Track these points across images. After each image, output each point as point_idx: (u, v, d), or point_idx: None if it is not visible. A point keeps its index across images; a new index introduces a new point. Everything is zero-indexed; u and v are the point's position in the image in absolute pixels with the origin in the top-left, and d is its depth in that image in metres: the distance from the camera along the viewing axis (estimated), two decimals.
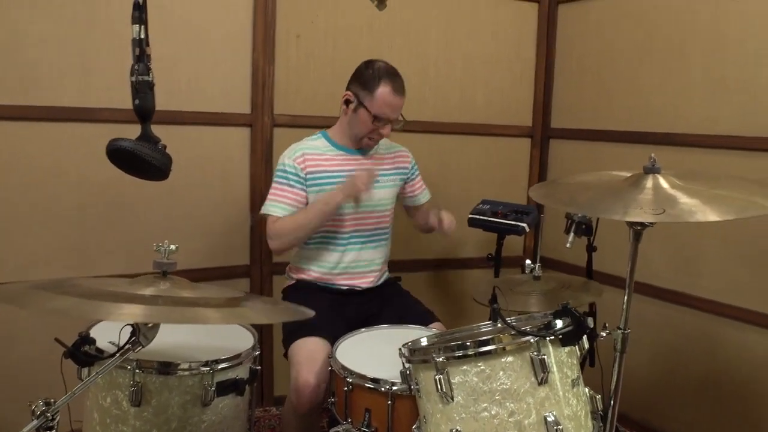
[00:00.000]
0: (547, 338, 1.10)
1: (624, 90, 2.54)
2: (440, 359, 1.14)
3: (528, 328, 1.15)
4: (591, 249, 1.97)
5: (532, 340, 1.11)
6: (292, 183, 1.93)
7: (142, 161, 1.13)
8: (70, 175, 2.14)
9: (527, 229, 2.27)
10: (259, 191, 2.43)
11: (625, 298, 1.31)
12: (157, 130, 2.20)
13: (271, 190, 1.96)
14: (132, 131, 1.28)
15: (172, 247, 1.14)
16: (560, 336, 1.11)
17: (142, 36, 1.08)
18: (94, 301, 0.96)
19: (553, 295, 1.67)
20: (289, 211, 1.92)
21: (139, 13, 1.08)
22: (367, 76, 1.89)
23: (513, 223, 2.28)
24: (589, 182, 1.41)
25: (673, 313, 2.37)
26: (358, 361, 1.55)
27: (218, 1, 2.31)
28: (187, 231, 2.35)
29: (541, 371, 1.10)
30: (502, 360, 1.12)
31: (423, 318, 1.90)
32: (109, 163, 1.25)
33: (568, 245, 1.77)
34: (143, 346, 1.03)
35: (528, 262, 1.75)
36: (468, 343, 1.15)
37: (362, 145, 1.99)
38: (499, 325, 1.23)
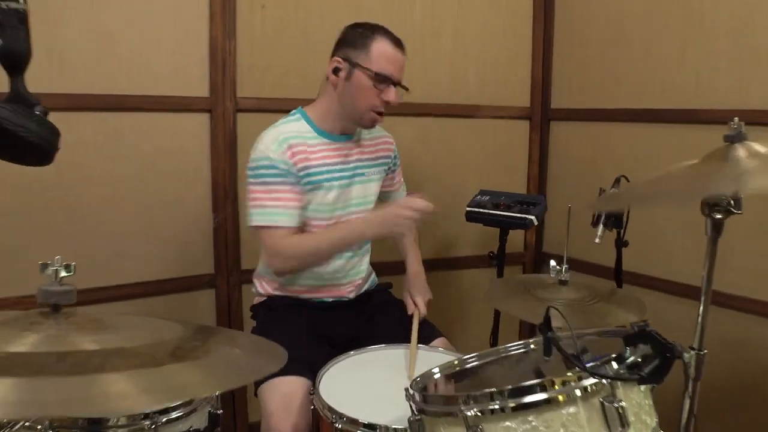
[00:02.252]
0: (623, 377, 0.79)
1: (635, 64, 2.25)
2: (471, 413, 0.82)
3: (589, 360, 0.83)
4: (621, 244, 1.67)
5: (605, 383, 0.79)
6: (285, 180, 1.54)
7: (8, 134, 0.76)
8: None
9: (535, 222, 1.97)
10: (222, 187, 2.08)
11: (701, 309, 1.01)
12: (95, 118, 1.92)
13: (261, 193, 1.54)
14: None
15: (64, 272, 0.76)
16: (643, 375, 0.79)
17: None
18: None
19: (582, 306, 1.36)
20: (296, 216, 1.55)
21: None
22: (355, 34, 1.57)
23: (519, 215, 1.98)
24: (656, 179, 1.09)
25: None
26: (347, 398, 1.22)
27: None
28: (137, 237, 1.99)
29: (618, 424, 0.78)
30: (563, 412, 0.80)
31: (423, 333, 1.58)
32: None
33: (597, 240, 1.47)
34: None
35: (553, 263, 1.44)
36: (510, 390, 0.82)
37: (362, 125, 1.64)
38: (545, 356, 0.91)
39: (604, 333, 0.98)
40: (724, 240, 2.11)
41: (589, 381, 0.81)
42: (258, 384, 1.42)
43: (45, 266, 0.73)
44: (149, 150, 1.99)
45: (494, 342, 2.12)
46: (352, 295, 1.67)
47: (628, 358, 0.82)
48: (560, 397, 0.81)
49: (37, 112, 0.79)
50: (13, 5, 0.70)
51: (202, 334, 0.83)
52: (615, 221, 1.50)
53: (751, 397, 1.97)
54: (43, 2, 1.77)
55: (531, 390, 0.81)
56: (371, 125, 1.64)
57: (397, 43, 1.57)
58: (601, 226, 1.47)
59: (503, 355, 1.09)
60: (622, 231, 1.62)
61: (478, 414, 0.82)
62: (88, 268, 1.87)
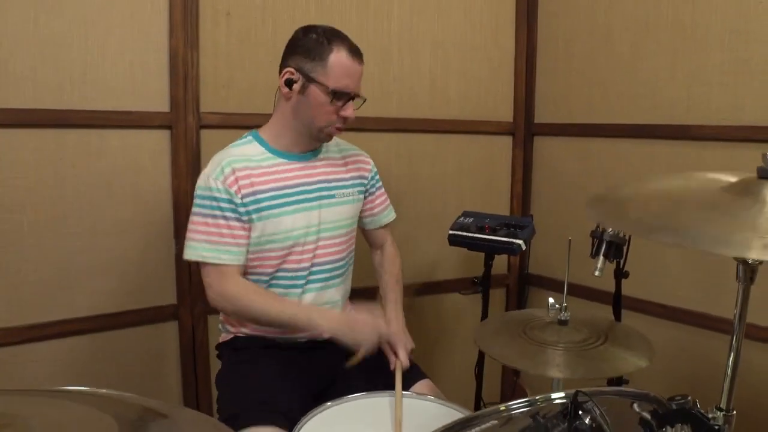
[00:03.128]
0: None
1: (622, 77, 2.15)
2: None
3: None
4: (621, 275, 1.55)
5: None
6: (227, 215, 1.40)
7: None
8: None
9: (523, 247, 1.84)
10: (184, 209, 1.90)
11: (729, 361, 0.88)
12: (42, 135, 1.73)
13: (199, 225, 1.41)
14: None
15: None
16: None
17: None
18: None
19: (585, 349, 1.22)
20: (238, 254, 1.41)
21: None
22: (310, 42, 1.41)
23: (506, 239, 1.85)
24: (673, 192, 0.96)
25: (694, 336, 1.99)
26: None
27: None
28: (92, 267, 1.81)
29: None
30: None
31: (405, 374, 1.42)
32: None
33: (597, 273, 1.34)
34: None
35: (552, 300, 1.30)
36: None
37: (320, 139, 1.50)
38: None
39: (635, 396, 0.84)
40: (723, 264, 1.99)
41: None
42: None
43: None
44: (101, 171, 1.81)
45: (479, 374, 1.99)
46: (327, 335, 1.51)
47: None
48: None
49: None
50: None
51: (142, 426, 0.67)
52: (616, 251, 1.37)
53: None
54: None
55: None
56: (329, 139, 1.52)
57: (355, 52, 1.44)
58: (601, 257, 1.34)
59: (505, 415, 0.94)
60: (622, 261, 1.50)
61: None
62: (30, 302, 1.72)
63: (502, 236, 1.87)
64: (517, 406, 0.95)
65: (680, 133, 1.98)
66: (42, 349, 1.77)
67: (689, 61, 1.97)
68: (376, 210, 1.70)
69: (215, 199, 1.40)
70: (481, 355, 1.98)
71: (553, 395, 0.93)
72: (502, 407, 0.94)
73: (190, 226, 1.42)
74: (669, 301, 2.03)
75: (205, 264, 1.41)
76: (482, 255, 1.95)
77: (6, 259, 1.69)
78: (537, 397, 0.95)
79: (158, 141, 1.89)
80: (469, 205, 2.11)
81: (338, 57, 1.40)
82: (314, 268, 1.50)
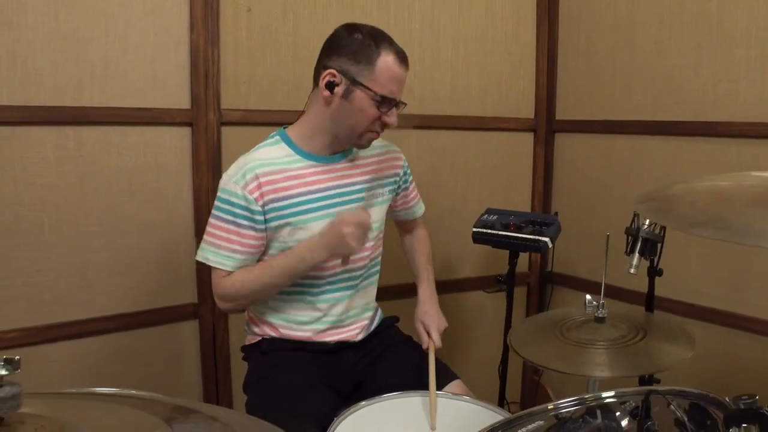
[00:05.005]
0: None
1: (646, 73, 2.12)
2: None
3: None
4: (655, 272, 1.52)
5: None
6: (240, 222, 1.37)
7: None
8: None
9: (550, 245, 1.82)
10: (205, 207, 1.89)
11: None
12: (62, 132, 1.71)
13: (211, 227, 1.40)
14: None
15: (3, 371, 0.51)
16: None
17: None
18: None
19: (626, 345, 1.19)
20: (240, 262, 1.38)
21: None
22: (356, 43, 1.34)
23: (532, 237, 1.83)
24: (721, 190, 0.94)
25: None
26: None
27: None
28: (112, 265, 1.79)
29: None
30: None
31: (437, 375, 1.39)
32: None
33: (632, 270, 1.32)
34: None
35: (589, 297, 1.28)
36: None
37: (358, 145, 1.45)
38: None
39: (694, 405, 0.81)
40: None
41: None
42: None
43: None
44: (122, 168, 1.79)
45: (503, 373, 1.96)
46: (359, 337, 1.49)
47: None
48: None
49: None
50: None
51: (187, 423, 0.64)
52: (651, 249, 1.34)
53: None
54: (2, 2, 1.57)
55: None
56: (367, 146, 1.46)
57: (403, 57, 1.38)
58: (636, 255, 1.31)
59: (553, 414, 0.92)
60: (656, 259, 1.47)
61: None
62: (49, 302, 1.71)
63: (527, 234, 1.84)
64: (565, 405, 0.93)
65: (706, 129, 1.95)
66: (62, 349, 1.76)
67: (715, 57, 1.94)
68: (410, 204, 1.69)
69: (231, 203, 1.37)
70: (505, 354, 1.96)
71: (604, 394, 0.91)
72: (550, 406, 0.92)
73: (207, 228, 1.41)
74: (696, 299, 2.00)
75: (211, 267, 1.39)
76: (505, 253, 1.93)
77: (26, 258, 1.67)
78: (586, 396, 0.93)
79: (179, 138, 1.87)
80: (491, 202, 2.08)
81: (386, 62, 1.34)
82: (345, 274, 1.47)
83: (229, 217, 1.37)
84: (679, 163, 2.04)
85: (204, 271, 1.92)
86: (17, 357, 0.52)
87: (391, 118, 1.38)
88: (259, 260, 1.44)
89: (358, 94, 1.34)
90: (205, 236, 1.40)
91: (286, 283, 1.40)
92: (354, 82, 1.34)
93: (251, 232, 1.38)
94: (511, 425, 0.92)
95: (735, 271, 1.92)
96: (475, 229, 1.92)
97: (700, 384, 1.98)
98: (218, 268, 1.38)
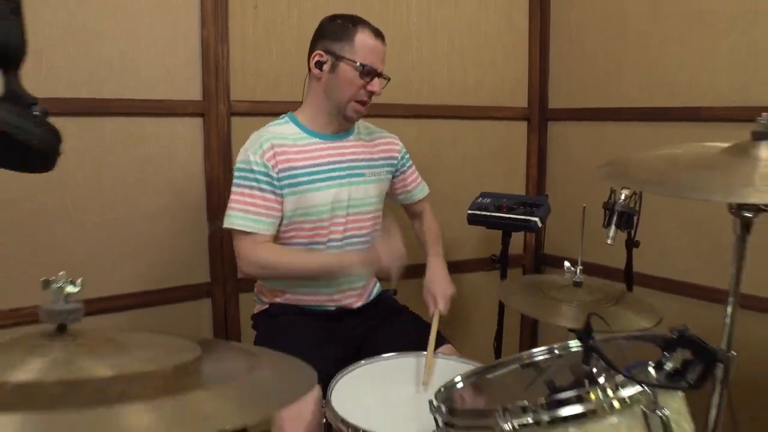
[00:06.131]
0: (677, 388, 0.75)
1: (635, 62, 2.22)
2: (508, 427, 0.77)
3: (626, 368, 0.78)
4: (632, 244, 1.63)
5: (646, 390, 0.75)
6: (262, 187, 1.52)
7: (8, 139, 0.68)
8: None
9: (539, 224, 1.93)
10: (216, 193, 2.02)
11: (729, 310, 0.97)
12: (78, 123, 1.84)
13: (234, 195, 1.54)
14: None
15: (70, 288, 0.67)
16: (689, 381, 0.75)
17: None
18: None
19: (597, 308, 1.31)
20: (270, 225, 1.53)
21: None
22: (335, 26, 1.56)
23: (523, 217, 1.94)
24: (675, 156, 1.06)
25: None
26: (361, 410, 1.17)
27: None
28: (126, 248, 1.92)
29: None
30: (604, 422, 0.76)
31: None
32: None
33: (609, 241, 1.43)
34: None
35: (567, 264, 1.40)
36: (548, 402, 0.78)
37: (348, 116, 1.59)
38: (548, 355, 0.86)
39: (639, 338, 0.93)
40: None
41: (630, 390, 0.77)
42: None
43: (48, 283, 0.65)
44: (137, 157, 1.92)
45: (498, 347, 2.08)
46: (357, 304, 1.61)
47: (666, 365, 0.78)
48: (601, 408, 0.77)
49: (36, 113, 0.72)
50: None
51: (215, 346, 0.76)
52: (626, 221, 1.46)
53: None
54: None
55: (570, 401, 0.77)
56: (356, 116, 1.61)
57: (378, 33, 1.56)
58: (613, 227, 1.43)
59: (527, 361, 1.04)
60: (633, 231, 1.58)
61: (515, 428, 0.77)
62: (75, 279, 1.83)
63: (518, 214, 1.95)
64: (538, 353, 1.04)
65: (691, 115, 2.05)
66: (87, 323, 1.88)
67: (699, 46, 2.04)
68: (409, 187, 1.82)
69: (252, 171, 1.52)
70: (500, 329, 2.07)
71: (571, 343, 1.02)
72: (524, 354, 1.04)
73: (230, 198, 1.54)
74: (673, 275, 2.11)
75: (238, 233, 1.52)
76: (499, 234, 2.04)
77: (48, 240, 1.80)
78: (555, 345, 1.04)
79: (191, 128, 2.00)
80: (488, 188, 2.19)
81: (363, 36, 1.53)
82: (346, 241, 1.62)
83: (253, 183, 1.52)
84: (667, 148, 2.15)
85: (216, 253, 2.06)
86: (80, 278, 0.65)
87: (375, 86, 1.55)
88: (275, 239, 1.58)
89: (343, 66, 1.53)
90: (230, 205, 1.54)
91: (315, 276, 1.57)
92: (338, 58, 1.53)
93: (272, 196, 1.52)
94: (491, 370, 1.03)
95: (710, 247, 2.03)
96: (469, 212, 2.03)
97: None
98: (246, 233, 1.51)
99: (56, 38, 1.76)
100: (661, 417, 0.74)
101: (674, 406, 0.80)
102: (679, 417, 0.81)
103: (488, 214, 2.00)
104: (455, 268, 2.44)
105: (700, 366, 0.74)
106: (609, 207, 1.46)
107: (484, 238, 2.35)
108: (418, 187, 1.85)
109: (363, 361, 1.37)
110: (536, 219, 1.91)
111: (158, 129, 1.95)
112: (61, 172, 1.78)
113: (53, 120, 1.80)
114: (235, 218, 1.52)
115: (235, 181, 1.55)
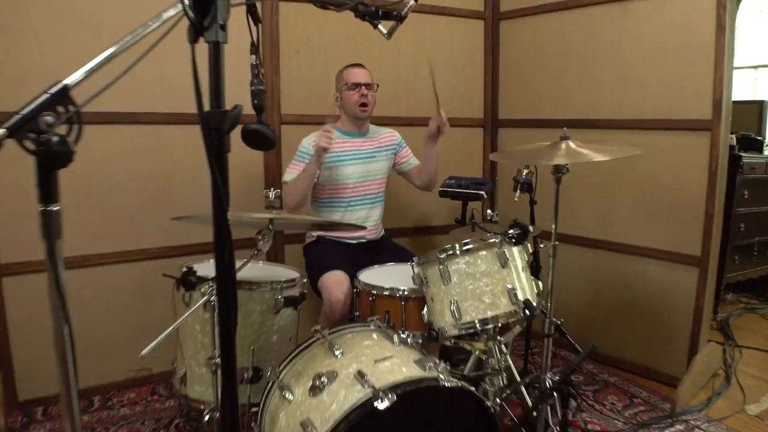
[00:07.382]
0: (506, 239, 1.79)
1: (551, 88, 3.28)
2: (442, 256, 1.81)
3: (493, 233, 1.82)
4: (532, 202, 2.66)
5: (497, 240, 1.79)
6: (306, 160, 2.54)
7: (263, 137, 1.66)
8: (123, 167, 2.71)
9: (485, 196, 2.94)
10: (270, 174, 3.03)
11: (554, 226, 2.00)
12: (171, 130, 2.85)
13: (291, 164, 2.57)
14: (165, 131, 2.04)
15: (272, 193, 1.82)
16: (514, 238, 1.79)
17: (256, 62, 1.57)
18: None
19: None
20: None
21: (255, 47, 1.58)
22: (338, 74, 2.68)
23: (474, 192, 2.95)
24: (529, 148, 2.09)
25: (595, 255, 3.13)
26: (377, 281, 2.19)
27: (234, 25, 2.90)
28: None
29: (503, 259, 1.79)
30: (480, 253, 1.80)
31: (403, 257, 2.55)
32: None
33: (516, 199, 2.44)
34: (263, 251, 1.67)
35: (489, 211, 2.43)
36: (458, 246, 1.83)
37: (359, 115, 2.62)
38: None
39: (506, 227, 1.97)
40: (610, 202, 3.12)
41: (492, 240, 1.80)
42: (317, 278, 2.42)
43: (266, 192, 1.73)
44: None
45: None
46: (370, 236, 2.65)
47: (510, 231, 1.81)
48: (478, 247, 1.81)
49: (271, 128, 1.72)
50: (260, 88, 1.62)
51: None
52: (527, 187, 2.47)
53: (634, 309, 3.00)
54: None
55: (467, 244, 1.81)
56: (363, 115, 2.64)
57: (357, 64, 2.66)
58: (518, 191, 2.43)
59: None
60: (532, 194, 2.61)
61: (444, 256, 1.81)
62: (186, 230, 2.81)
63: (472, 190, 2.98)
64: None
65: (585, 124, 3.10)
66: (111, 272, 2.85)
67: (590, 78, 3.09)
68: (405, 159, 2.87)
69: (302, 152, 2.57)
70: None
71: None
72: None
73: (288, 165, 2.59)
74: (580, 232, 3.16)
75: (285, 184, 2.54)
76: (460, 204, 3.06)
77: (170, 203, 2.81)
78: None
79: None
80: (455, 174, 3.21)
81: (348, 70, 2.66)
82: (365, 197, 2.67)
83: (300, 160, 2.56)
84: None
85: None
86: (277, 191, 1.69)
87: (363, 92, 2.61)
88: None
89: (343, 90, 2.64)
90: (287, 170, 2.58)
91: (305, 182, 2.49)
92: (341, 90, 2.61)
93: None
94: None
95: (605, 211, 3.08)
96: (440, 188, 3.04)
97: (578, 288, 3.15)
98: (285, 181, 2.55)
99: (177, 67, 2.77)
100: (502, 253, 1.77)
101: (514, 252, 1.83)
102: (515, 258, 1.84)
103: (452, 190, 3.01)
104: (430, 230, 3.49)
105: (520, 233, 1.77)
106: (517, 179, 2.48)
107: (451, 208, 3.38)
108: (411, 159, 2.89)
109: (375, 266, 2.40)
110: (482, 192, 2.93)
111: (235, 134, 2.95)
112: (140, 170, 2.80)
113: (171, 128, 2.80)
114: (286, 176, 2.56)
115: (294, 157, 2.58)
